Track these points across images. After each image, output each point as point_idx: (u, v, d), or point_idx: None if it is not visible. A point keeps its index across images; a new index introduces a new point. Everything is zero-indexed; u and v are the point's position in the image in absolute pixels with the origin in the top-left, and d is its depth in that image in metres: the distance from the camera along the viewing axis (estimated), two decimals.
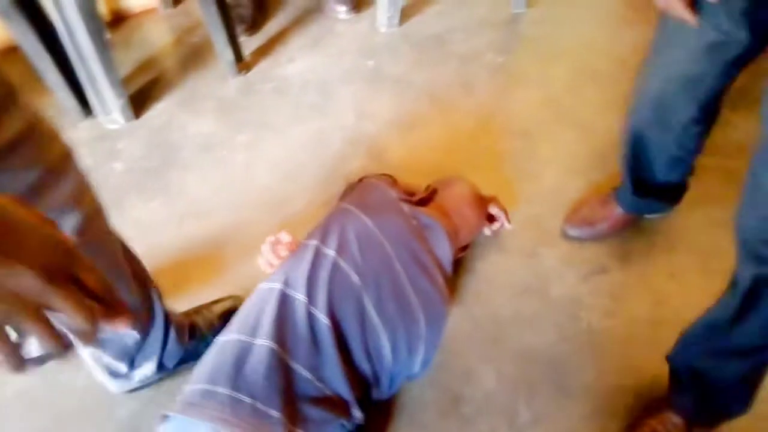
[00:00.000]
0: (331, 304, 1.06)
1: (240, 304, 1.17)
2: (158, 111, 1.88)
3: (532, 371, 1.33)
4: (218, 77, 1.97)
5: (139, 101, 1.90)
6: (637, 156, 1.40)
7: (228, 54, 1.90)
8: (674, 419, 1.20)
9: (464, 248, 1.50)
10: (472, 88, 1.96)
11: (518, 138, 1.81)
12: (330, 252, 1.13)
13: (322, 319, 1.04)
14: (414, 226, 1.26)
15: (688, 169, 1.43)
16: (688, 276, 1.49)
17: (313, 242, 1.15)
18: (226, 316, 1.29)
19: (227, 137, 1.80)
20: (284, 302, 1.05)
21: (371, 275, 1.12)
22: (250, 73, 1.99)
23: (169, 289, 1.23)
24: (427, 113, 1.88)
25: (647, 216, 1.57)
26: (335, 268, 1.10)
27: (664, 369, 1.23)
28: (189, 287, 1.45)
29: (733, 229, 0.94)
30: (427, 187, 1.50)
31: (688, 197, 1.52)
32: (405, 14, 2.18)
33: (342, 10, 2.17)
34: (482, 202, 1.49)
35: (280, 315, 1.03)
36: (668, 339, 1.20)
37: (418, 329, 1.14)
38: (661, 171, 1.39)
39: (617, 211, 1.52)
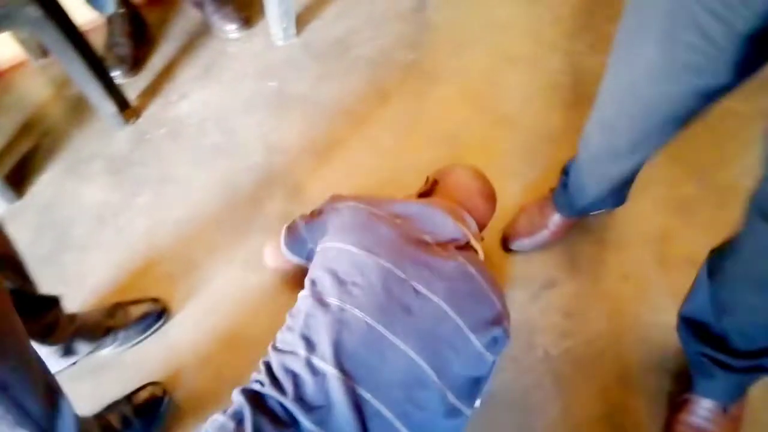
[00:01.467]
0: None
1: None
2: (43, 184, 1.67)
3: (493, 416, 1.20)
4: (104, 132, 1.75)
5: (20, 176, 1.68)
6: (579, 182, 1.27)
7: (108, 106, 1.69)
8: (705, 404, 1.11)
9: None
10: (387, 94, 1.79)
11: (443, 143, 1.66)
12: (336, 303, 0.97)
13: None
14: (398, 225, 1.08)
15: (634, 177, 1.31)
16: (643, 273, 1.39)
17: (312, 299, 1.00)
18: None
19: (123, 202, 1.60)
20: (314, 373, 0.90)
21: (385, 312, 0.96)
22: (139, 120, 1.77)
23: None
24: (342, 132, 1.71)
25: (591, 213, 1.44)
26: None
27: (634, 386, 1.13)
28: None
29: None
30: (427, 179, 1.34)
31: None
32: (301, 21, 1.98)
33: (232, 29, 1.95)
34: (486, 180, 1.33)
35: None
36: (632, 351, 1.11)
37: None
38: (604, 191, 1.27)
39: (557, 217, 1.39)
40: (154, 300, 1.39)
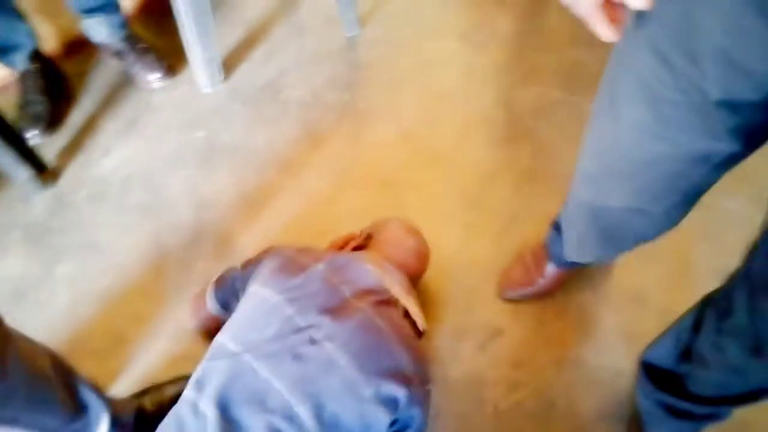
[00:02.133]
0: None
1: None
2: None
3: None
4: (20, 198, 1.63)
5: None
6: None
7: (22, 171, 1.58)
8: None
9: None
10: (321, 138, 1.74)
11: (381, 189, 1.61)
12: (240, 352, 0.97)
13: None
14: (317, 272, 1.07)
15: None
16: (582, 307, 1.36)
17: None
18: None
19: (43, 274, 1.49)
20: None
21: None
22: (58, 183, 1.67)
23: None
24: (275, 180, 1.64)
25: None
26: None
27: None
28: None
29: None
30: (361, 232, 1.31)
31: None
32: (228, 65, 1.91)
33: (155, 79, 1.87)
34: (419, 236, 1.30)
35: None
36: (582, 399, 1.07)
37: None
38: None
39: (550, 267, 1.32)
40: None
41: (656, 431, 1.09)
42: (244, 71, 1.93)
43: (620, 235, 0.98)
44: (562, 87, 1.81)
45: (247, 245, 1.51)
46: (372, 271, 1.09)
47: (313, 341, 0.96)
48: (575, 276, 1.40)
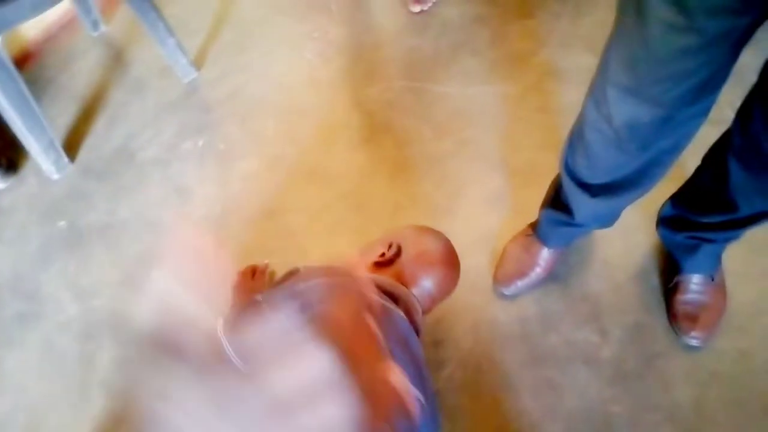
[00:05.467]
0: None
1: None
2: None
3: None
4: None
5: None
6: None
7: None
8: (695, 279, 1.24)
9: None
10: (189, 190, 1.70)
11: (266, 221, 1.60)
12: None
13: None
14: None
15: None
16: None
17: None
18: None
19: None
20: None
21: None
22: None
23: None
24: (155, 248, 1.59)
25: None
26: None
27: (519, 387, 1.15)
28: None
29: None
30: (390, 245, 1.12)
31: None
32: (71, 145, 1.83)
33: None
34: (453, 254, 1.15)
35: None
36: (503, 351, 1.11)
37: None
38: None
39: (545, 252, 1.34)
40: None
41: (690, 261, 1.23)
42: (90, 146, 1.85)
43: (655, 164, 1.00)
44: (403, 76, 1.88)
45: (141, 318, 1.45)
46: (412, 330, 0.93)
47: None
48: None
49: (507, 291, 1.36)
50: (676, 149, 0.96)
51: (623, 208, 1.19)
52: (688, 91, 0.81)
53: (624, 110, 0.88)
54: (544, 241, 1.34)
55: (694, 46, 0.74)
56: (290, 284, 0.92)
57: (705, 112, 0.88)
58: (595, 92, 0.92)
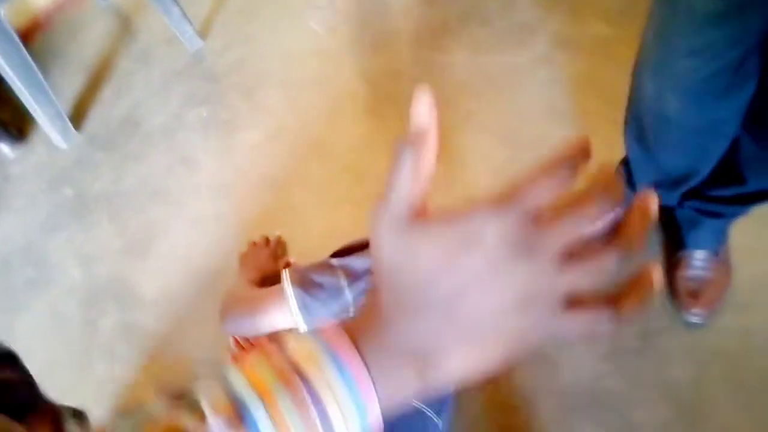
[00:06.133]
0: None
1: None
2: None
3: None
4: None
5: None
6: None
7: None
8: (699, 255, 1.20)
9: None
10: (193, 160, 1.70)
11: (268, 192, 1.60)
12: None
13: None
14: None
15: None
16: None
17: None
18: None
19: None
20: None
21: None
22: None
23: None
24: (159, 217, 1.60)
25: None
26: None
27: None
28: None
29: None
30: None
31: None
32: (78, 114, 1.84)
33: (6, 149, 1.78)
34: None
35: None
36: None
37: None
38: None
39: None
40: None
41: (694, 235, 1.21)
42: (96, 115, 1.86)
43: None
44: (411, 46, 1.84)
45: (149, 288, 1.47)
46: None
47: None
48: None
49: None
50: None
51: None
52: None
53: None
54: None
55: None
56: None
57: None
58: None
